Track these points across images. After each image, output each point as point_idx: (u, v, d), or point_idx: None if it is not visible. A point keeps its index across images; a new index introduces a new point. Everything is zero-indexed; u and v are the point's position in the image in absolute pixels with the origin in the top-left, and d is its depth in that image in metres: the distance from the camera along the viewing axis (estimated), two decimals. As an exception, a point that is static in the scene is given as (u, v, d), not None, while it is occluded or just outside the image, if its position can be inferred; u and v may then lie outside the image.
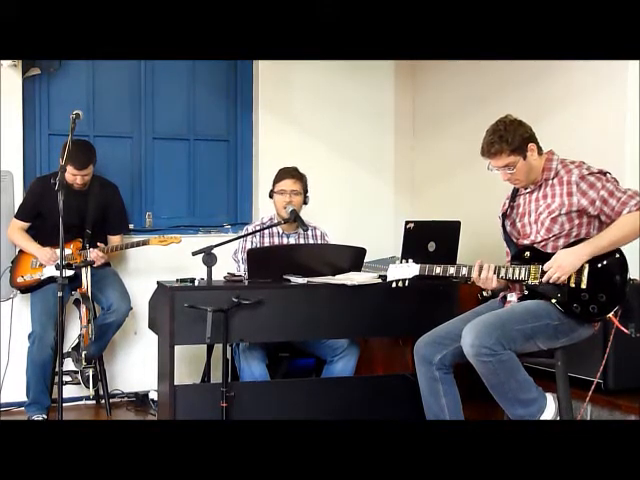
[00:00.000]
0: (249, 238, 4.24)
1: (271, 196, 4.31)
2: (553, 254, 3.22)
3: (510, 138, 3.21)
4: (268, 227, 4.24)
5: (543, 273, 3.21)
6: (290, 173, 4.27)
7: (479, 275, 3.28)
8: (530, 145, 3.25)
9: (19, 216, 4.52)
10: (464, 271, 3.33)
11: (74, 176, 4.31)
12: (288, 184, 4.23)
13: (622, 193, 3.15)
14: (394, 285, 3.46)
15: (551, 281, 3.19)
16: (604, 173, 3.21)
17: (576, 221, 3.22)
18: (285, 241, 4.31)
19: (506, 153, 3.23)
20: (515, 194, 3.46)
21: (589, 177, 3.19)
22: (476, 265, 3.29)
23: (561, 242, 3.24)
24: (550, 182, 3.29)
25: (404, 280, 3.43)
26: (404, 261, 3.44)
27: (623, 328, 3.24)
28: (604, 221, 3.21)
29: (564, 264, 3.16)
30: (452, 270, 3.35)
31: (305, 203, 4.30)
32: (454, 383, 3.39)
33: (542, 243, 3.28)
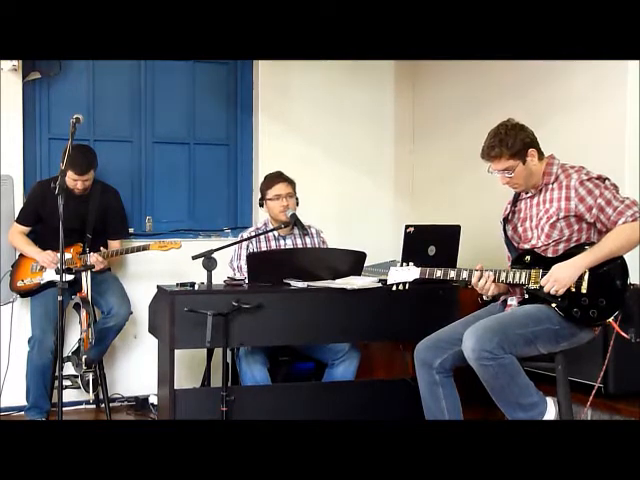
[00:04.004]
0: (244, 245, 4.19)
1: (262, 205, 4.28)
2: (554, 258, 3.22)
3: (510, 142, 3.21)
4: (265, 233, 4.21)
5: (543, 277, 3.20)
6: (282, 177, 4.24)
7: (478, 281, 3.29)
8: (530, 150, 3.25)
9: (20, 220, 4.52)
10: (464, 275, 3.33)
11: (75, 181, 4.31)
12: (282, 188, 4.19)
13: (620, 202, 3.13)
14: (394, 289, 3.45)
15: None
16: (603, 179, 3.20)
17: (575, 226, 3.21)
18: (282, 243, 4.28)
19: (505, 157, 3.23)
20: (517, 199, 3.45)
21: (588, 183, 3.18)
22: (477, 271, 3.29)
23: (561, 247, 3.24)
24: (550, 187, 3.28)
25: (404, 284, 3.43)
26: (404, 264, 3.44)
27: (623, 333, 3.24)
28: (600, 229, 3.20)
29: (560, 277, 3.15)
30: (453, 273, 3.35)
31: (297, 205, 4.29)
32: (454, 387, 3.38)
33: (542, 248, 3.27)
